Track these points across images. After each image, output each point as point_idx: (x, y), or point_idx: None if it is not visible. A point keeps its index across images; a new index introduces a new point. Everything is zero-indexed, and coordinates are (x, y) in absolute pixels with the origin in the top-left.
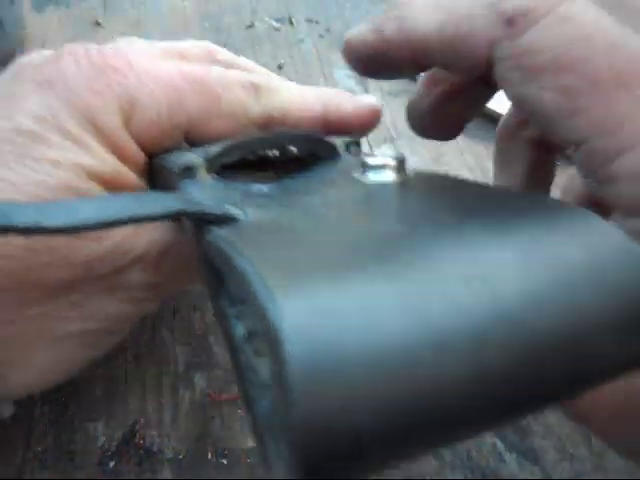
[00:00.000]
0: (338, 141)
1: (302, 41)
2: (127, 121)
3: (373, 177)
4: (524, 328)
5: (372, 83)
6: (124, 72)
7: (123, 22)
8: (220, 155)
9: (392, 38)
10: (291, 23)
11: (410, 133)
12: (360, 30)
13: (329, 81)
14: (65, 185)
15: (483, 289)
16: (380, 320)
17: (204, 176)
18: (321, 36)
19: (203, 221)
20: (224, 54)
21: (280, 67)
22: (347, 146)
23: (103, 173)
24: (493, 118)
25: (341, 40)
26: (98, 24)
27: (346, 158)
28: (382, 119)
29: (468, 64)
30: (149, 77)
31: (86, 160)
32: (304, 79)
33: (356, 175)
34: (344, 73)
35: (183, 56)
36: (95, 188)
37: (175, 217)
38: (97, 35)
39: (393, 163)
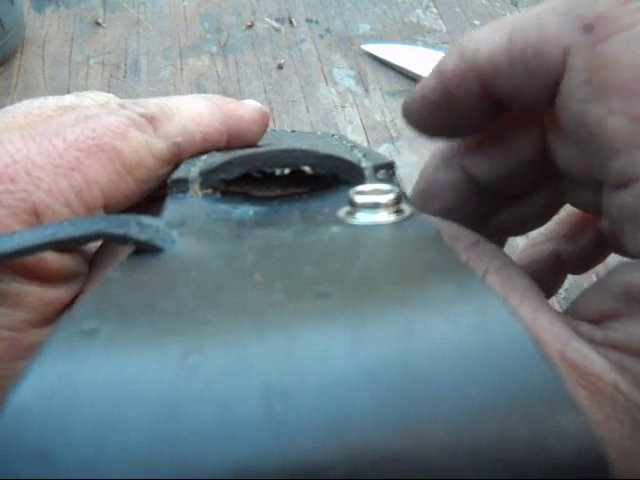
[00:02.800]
0: (366, 163)
1: (302, 41)
2: None
3: (361, 217)
4: None
5: (372, 83)
6: (9, 175)
7: (123, 22)
8: (215, 170)
9: (455, 71)
10: (291, 23)
11: (410, 133)
12: (420, 83)
13: (329, 81)
14: None
15: (282, 415)
16: (111, 426)
17: (197, 191)
18: (321, 36)
19: (126, 243)
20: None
21: (280, 67)
22: (375, 170)
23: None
24: None
25: (341, 40)
26: (98, 24)
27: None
28: (382, 119)
29: (541, 82)
30: (38, 167)
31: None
32: (304, 79)
33: (341, 213)
34: (344, 73)
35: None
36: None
37: (95, 238)
38: (97, 35)
39: (385, 201)
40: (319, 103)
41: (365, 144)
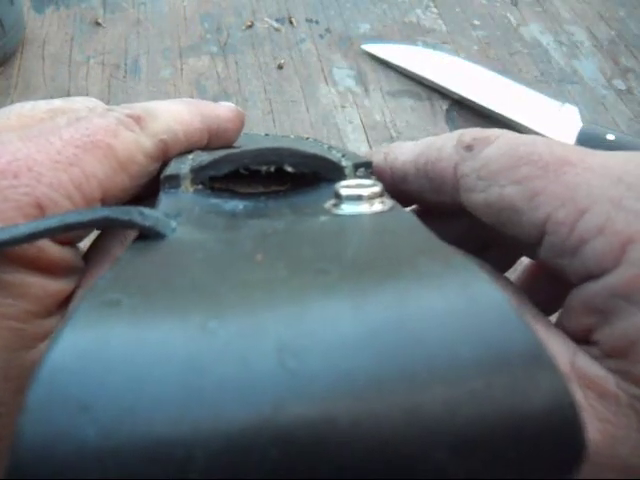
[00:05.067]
0: (347, 162)
1: (302, 41)
2: None
3: (346, 208)
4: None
5: (372, 83)
6: (11, 171)
7: (123, 22)
8: (205, 167)
9: (377, 166)
10: (291, 23)
11: (410, 133)
12: None
13: (329, 81)
14: None
15: (295, 370)
16: (144, 381)
17: (188, 187)
18: (321, 36)
19: (130, 228)
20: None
21: (280, 67)
22: (355, 167)
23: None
24: (498, 120)
25: (341, 40)
26: (98, 24)
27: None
28: (382, 119)
29: (437, 186)
30: (38, 163)
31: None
32: (304, 79)
33: (327, 205)
34: (344, 73)
35: (54, 115)
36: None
37: (102, 223)
38: (97, 35)
39: (367, 194)
40: (319, 103)
41: (365, 144)
